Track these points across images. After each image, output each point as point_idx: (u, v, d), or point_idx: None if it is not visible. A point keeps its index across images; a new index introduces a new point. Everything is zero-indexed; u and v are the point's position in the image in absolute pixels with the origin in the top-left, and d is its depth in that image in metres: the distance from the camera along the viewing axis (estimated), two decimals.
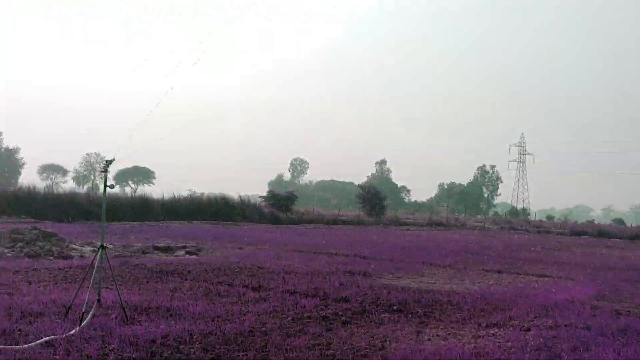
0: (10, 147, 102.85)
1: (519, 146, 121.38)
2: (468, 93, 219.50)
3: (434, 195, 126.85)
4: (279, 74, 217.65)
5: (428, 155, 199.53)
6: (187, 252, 15.98)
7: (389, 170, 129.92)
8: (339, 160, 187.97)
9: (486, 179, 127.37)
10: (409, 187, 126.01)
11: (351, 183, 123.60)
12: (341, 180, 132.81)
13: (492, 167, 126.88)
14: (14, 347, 4.96)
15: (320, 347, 5.46)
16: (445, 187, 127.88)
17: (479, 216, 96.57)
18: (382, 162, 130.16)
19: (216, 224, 34.56)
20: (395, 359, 5.00)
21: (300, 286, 9.34)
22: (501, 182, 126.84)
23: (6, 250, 13.71)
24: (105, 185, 6.69)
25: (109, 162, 6.64)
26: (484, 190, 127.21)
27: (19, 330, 5.66)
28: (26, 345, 5.04)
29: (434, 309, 7.89)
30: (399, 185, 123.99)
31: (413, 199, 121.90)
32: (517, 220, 73.72)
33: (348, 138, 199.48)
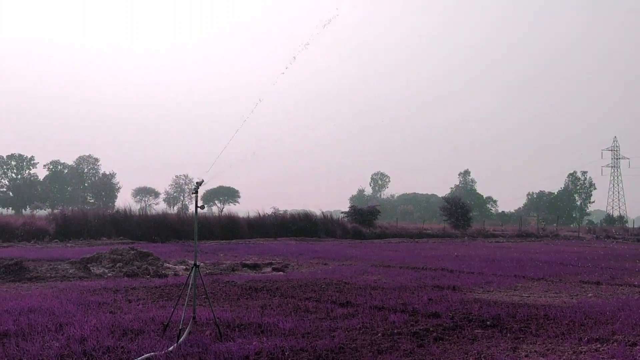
0: (107, 173, 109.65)
1: (612, 150, 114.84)
2: (555, 96, 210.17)
3: (522, 205, 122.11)
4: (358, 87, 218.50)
5: (515, 164, 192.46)
6: (274, 269, 16.26)
7: (473, 181, 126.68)
8: (420, 173, 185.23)
9: (578, 186, 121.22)
10: (495, 198, 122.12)
11: (434, 195, 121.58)
12: (424, 192, 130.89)
13: (584, 173, 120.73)
14: None
15: None
16: (534, 196, 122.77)
17: (571, 225, 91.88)
18: (466, 173, 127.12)
19: (300, 240, 35.00)
20: None
21: (388, 302, 9.23)
22: (594, 188, 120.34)
23: (107, 270, 14.54)
24: (196, 206, 6.93)
25: (199, 184, 6.88)
26: (576, 198, 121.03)
27: (122, 347, 5.95)
28: None
29: (530, 323, 7.53)
30: (484, 196, 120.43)
31: (500, 209, 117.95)
32: (613, 228, 69.41)
33: (429, 150, 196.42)
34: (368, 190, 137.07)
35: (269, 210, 44.06)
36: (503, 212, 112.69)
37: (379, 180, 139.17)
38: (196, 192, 6.90)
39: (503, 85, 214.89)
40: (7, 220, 33.12)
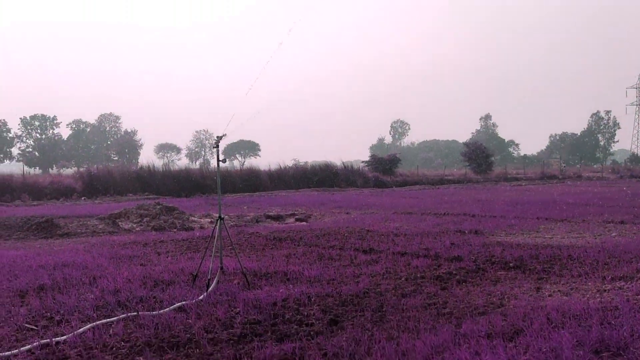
0: (129, 130, 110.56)
1: (636, 88, 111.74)
2: (577, 35, 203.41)
3: (544, 147, 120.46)
4: (375, 32, 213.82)
5: (537, 106, 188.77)
6: (297, 219, 16.48)
7: (494, 125, 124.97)
8: (441, 119, 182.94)
9: (601, 126, 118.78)
10: (517, 141, 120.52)
11: (455, 141, 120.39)
12: (444, 139, 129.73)
13: (608, 112, 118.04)
14: (152, 312, 5.43)
15: (436, 306, 5.46)
16: (557, 138, 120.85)
17: (595, 166, 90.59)
18: (487, 117, 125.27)
19: (322, 190, 35.23)
20: (515, 316, 4.88)
21: (410, 247, 9.35)
22: (619, 128, 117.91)
23: (135, 225, 14.90)
24: (218, 160, 7.01)
25: (220, 138, 6.92)
26: (600, 138, 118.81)
27: (154, 297, 6.17)
28: (162, 311, 5.50)
29: (553, 264, 7.58)
30: (506, 140, 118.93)
31: (522, 153, 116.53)
32: (638, 167, 68.32)
33: (449, 95, 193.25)
34: (388, 139, 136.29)
35: (289, 163, 44.33)
36: (525, 155, 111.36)
37: (399, 128, 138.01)
38: (217, 146, 6.96)
39: (523, 25, 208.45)
40: (36, 180, 33.84)
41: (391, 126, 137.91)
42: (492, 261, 7.86)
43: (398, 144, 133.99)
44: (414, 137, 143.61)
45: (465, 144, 62.71)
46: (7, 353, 4.27)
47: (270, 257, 8.88)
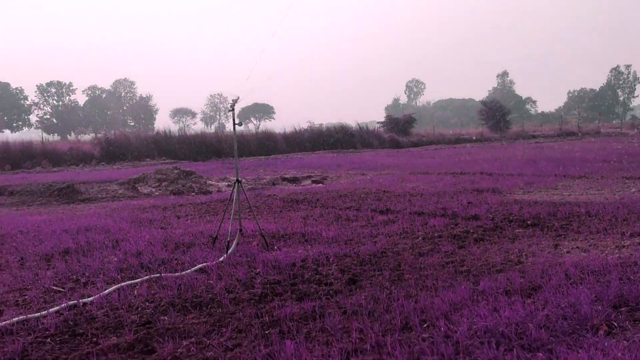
0: (144, 95, 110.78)
1: None
2: None
3: (562, 104, 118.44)
4: None
5: (554, 62, 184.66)
6: (313, 181, 16.54)
7: (511, 82, 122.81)
8: (456, 78, 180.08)
9: (621, 81, 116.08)
10: (534, 98, 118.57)
11: (471, 99, 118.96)
12: (460, 97, 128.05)
13: (628, 67, 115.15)
14: (174, 274, 5.55)
15: (454, 264, 5.50)
16: (575, 94, 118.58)
17: (614, 122, 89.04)
18: (504, 74, 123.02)
19: (337, 152, 35.19)
20: (534, 273, 4.91)
21: (427, 207, 9.36)
22: (639, 82, 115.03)
23: (153, 190, 15.08)
24: (234, 124, 7.01)
25: (235, 101, 6.92)
26: (619, 93, 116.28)
27: (176, 259, 6.29)
28: (184, 272, 5.62)
29: (571, 221, 7.56)
30: (523, 97, 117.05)
31: (540, 110, 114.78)
32: None
33: (464, 52, 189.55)
34: (403, 99, 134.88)
35: (304, 125, 44.14)
36: (543, 112, 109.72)
37: (414, 87, 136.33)
38: (233, 110, 6.96)
39: None
40: (55, 146, 34.21)
41: (406, 86, 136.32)
42: (509, 219, 7.86)
43: (413, 103, 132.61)
44: (430, 96, 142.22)
45: (482, 102, 61.89)
46: (36, 314, 4.41)
47: (287, 219, 8.96)
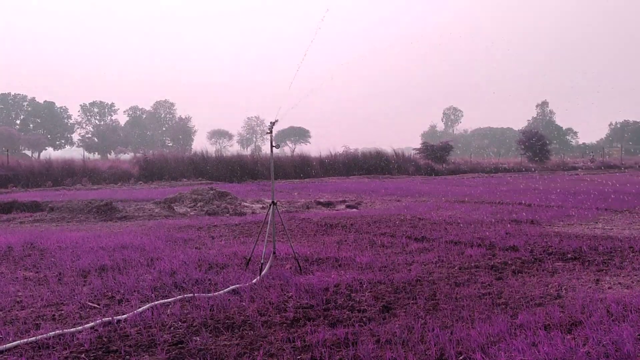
0: (183, 117, 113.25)
1: None
2: (637, 14, 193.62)
3: (604, 136, 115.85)
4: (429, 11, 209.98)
5: (596, 93, 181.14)
6: (348, 206, 16.48)
7: (551, 112, 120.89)
8: (495, 106, 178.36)
9: None
10: (575, 129, 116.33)
11: (510, 129, 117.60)
12: (499, 126, 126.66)
13: None
14: (207, 294, 5.56)
15: (491, 295, 5.35)
16: (618, 126, 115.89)
17: None
18: (544, 104, 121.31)
19: (372, 177, 35.10)
20: (574, 308, 4.73)
21: (464, 236, 9.19)
22: None
23: (189, 209, 15.26)
24: (272, 145, 7.07)
25: (273, 124, 6.98)
26: None
27: (209, 279, 6.31)
28: (217, 293, 5.62)
29: (613, 256, 7.30)
30: (563, 128, 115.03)
31: (580, 141, 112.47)
32: None
33: (503, 81, 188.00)
34: (440, 126, 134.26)
35: (340, 149, 44.27)
36: (584, 143, 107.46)
37: (452, 115, 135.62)
38: (270, 132, 7.02)
39: (579, 8, 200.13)
40: (95, 165, 35.15)
41: (443, 113, 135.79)
42: (549, 252, 7.64)
43: (450, 131, 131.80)
44: (467, 124, 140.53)
45: (522, 132, 61.02)
46: (72, 330, 4.46)
47: (321, 243, 8.92)
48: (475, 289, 5.61)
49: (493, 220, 11.42)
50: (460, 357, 3.71)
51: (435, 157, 46.81)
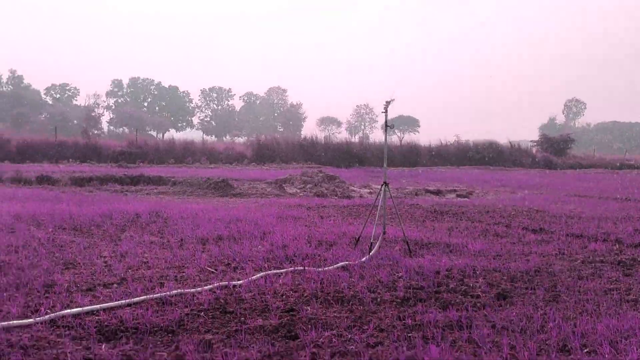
0: (295, 103, 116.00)
1: None
2: None
3: None
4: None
5: None
6: (458, 195, 16.03)
7: None
8: (621, 99, 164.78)
9: None
10: None
11: (638, 124, 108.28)
12: (626, 121, 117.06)
13: None
14: (317, 269, 5.64)
15: (618, 291, 4.95)
16: None
17: None
18: None
19: (484, 169, 33.89)
20: None
21: (586, 230, 8.59)
22: None
23: (298, 190, 15.60)
24: (386, 125, 7.00)
25: (388, 103, 6.90)
26: None
27: (318, 255, 6.40)
28: (326, 268, 5.69)
29: None
30: None
31: None
32: None
33: (632, 72, 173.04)
34: (560, 119, 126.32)
35: (450, 139, 43.13)
36: None
37: (574, 107, 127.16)
38: (386, 111, 6.95)
39: None
40: (213, 146, 37.14)
41: (565, 105, 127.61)
42: None
43: (572, 124, 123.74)
44: (590, 117, 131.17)
45: None
46: (192, 290, 4.71)
47: (431, 229, 8.75)
48: (600, 284, 5.22)
49: (619, 216, 10.57)
50: (585, 350, 3.46)
51: (554, 150, 44.23)
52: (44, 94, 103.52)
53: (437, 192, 16.75)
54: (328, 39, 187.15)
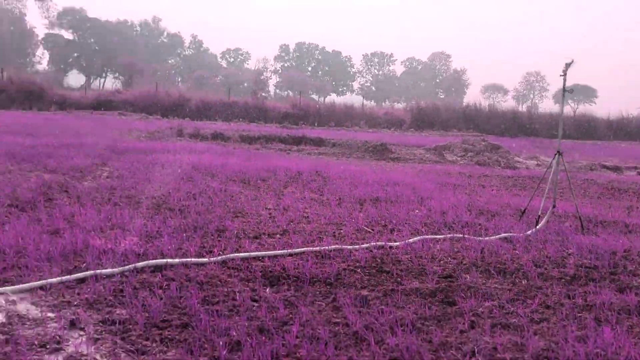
0: (458, 69, 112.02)
1: None
2: None
3: None
4: None
5: None
6: (639, 173, 14.39)
7: None
8: None
9: None
10: None
11: None
12: None
13: None
14: (477, 238, 5.41)
15: None
16: None
17: None
18: None
19: None
20: None
21: None
22: None
23: (458, 158, 15.12)
24: (564, 90, 6.44)
25: (568, 65, 6.31)
26: None
27: (479, 224, 6.13)
28: (488, 238, 5.43)
29: None
30: None
31: None
32: None
33: None
34: None
35: (634, 112, 38.66)
36: None
37: None
38: (564, 74, 6.35)
39: None
40: (372, 111, 37.45)
41: None
42: None
43: None
44: None
45: None
46: (349, 247, 4.79)
47: (607, 206, 7.97)
48: None
49: None
50: None
51: None
52: (220, 57, 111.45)
53: (615, 169, 15.19)
54: (500, 6, 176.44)
